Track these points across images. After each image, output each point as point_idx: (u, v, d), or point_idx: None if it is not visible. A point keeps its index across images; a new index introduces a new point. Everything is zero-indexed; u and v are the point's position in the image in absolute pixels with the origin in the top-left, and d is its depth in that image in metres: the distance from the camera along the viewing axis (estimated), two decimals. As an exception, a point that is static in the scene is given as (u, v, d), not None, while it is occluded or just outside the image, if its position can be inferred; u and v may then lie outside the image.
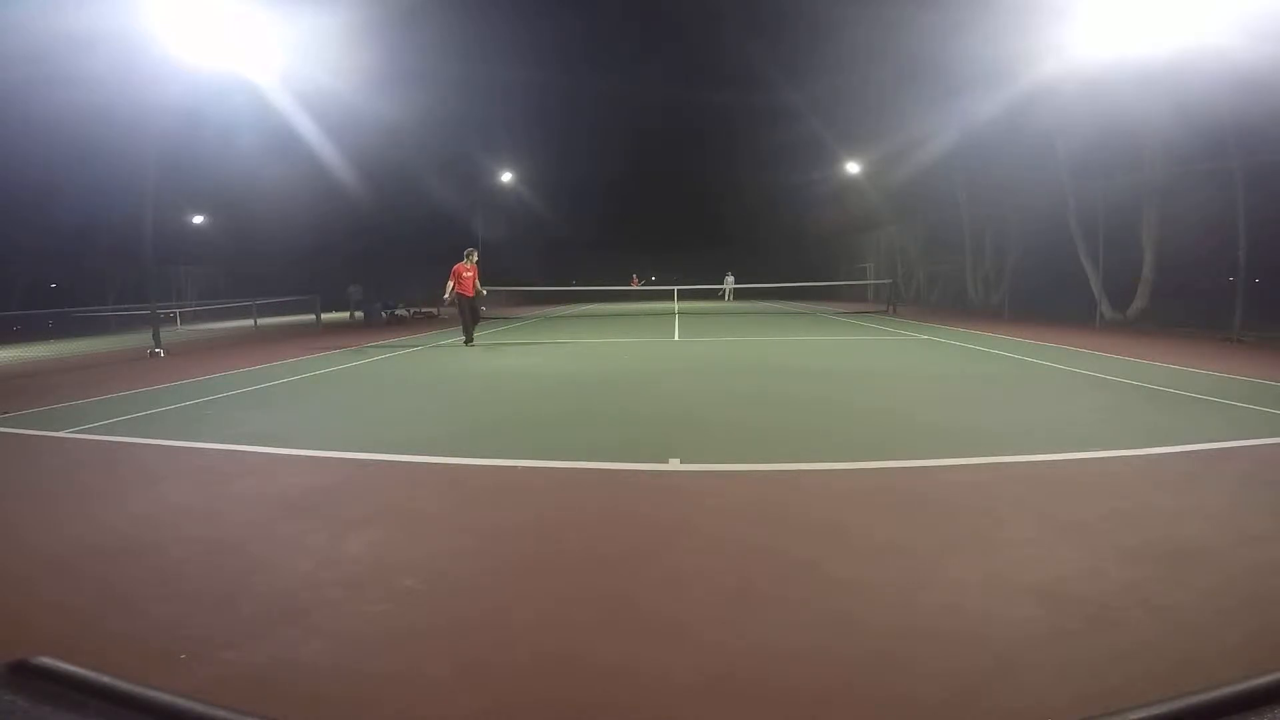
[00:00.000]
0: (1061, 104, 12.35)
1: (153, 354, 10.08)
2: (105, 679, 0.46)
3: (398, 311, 18.58)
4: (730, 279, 27.99)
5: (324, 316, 18.05)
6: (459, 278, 10.26)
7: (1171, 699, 0.43)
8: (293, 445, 4.05)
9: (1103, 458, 3.46)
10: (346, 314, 20.89)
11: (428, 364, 8.42)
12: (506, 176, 28.98)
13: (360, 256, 28.48)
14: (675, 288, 22.06)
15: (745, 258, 32.71)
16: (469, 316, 10.52)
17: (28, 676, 0.45)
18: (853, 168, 24.85)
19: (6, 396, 6.29)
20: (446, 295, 10.37)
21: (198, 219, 27.78)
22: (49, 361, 10.10)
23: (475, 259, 10.42)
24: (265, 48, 11.22)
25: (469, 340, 10.44)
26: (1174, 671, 1.58)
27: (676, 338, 11.48)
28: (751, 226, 36.87)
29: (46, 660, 0.47)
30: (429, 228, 30.02)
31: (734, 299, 27.83)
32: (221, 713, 0.44)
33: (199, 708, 0.44)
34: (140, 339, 12.21)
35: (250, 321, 17.75)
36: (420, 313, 19.47)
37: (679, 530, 2.60)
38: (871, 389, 5.93)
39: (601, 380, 6.50)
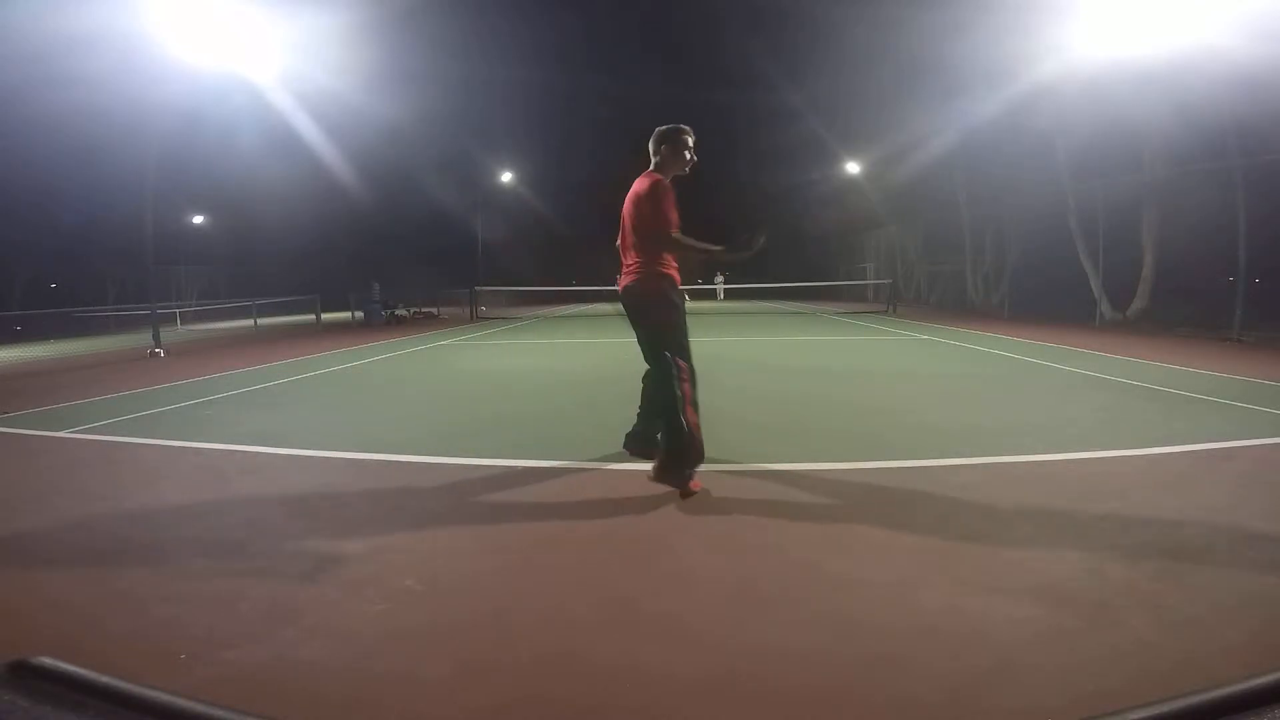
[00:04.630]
0: (1061, 104, 12.36)
1: (153, 354, 10.08)
2: (105, 679, 0.46)
3: (398, 311, 18.57)
4: (720, 279, 28.44)
5: (324, 316, 18.04)
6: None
7: (1171, 699, 0.43)
8: (293, 445, 4.05)
9: (1103, 458, 3.45)
10: (348, 314, 20.76)
11: (428, 364, 8.42)
12: (506, 176, 29.02)
13: (361, 256, 28.52)
14: None
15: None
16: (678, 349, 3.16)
17: (28, 676, 0.45)
18: (853, 168, 24.86)
19: (6, 396, 6.28)
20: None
21: (198, 219, 27.80)
22: (49, 361, 10.10)
23: (690, 158, 3.36)
24: (265, 48, 11.22)
25: (680, 472, 3.05)
26: (1174, 671, 1.58)
27: (676, 338, 11.46)
28: (751, 226, 36.94)
29: (46, 660, 0.47)
30: (428, 227, 30.08)
31: (724, 298, 28.31)
32: (221, 713, 0.44)
33: (199, 708, 0.44)
34: (140, 339, 12.22)
35: (250, 321, 17.76)
36: (420, 313, 19.47)
37: (679, 530, 2.60)
38: (871, 388, 5.92)
39: (602, 380, 6.49)
